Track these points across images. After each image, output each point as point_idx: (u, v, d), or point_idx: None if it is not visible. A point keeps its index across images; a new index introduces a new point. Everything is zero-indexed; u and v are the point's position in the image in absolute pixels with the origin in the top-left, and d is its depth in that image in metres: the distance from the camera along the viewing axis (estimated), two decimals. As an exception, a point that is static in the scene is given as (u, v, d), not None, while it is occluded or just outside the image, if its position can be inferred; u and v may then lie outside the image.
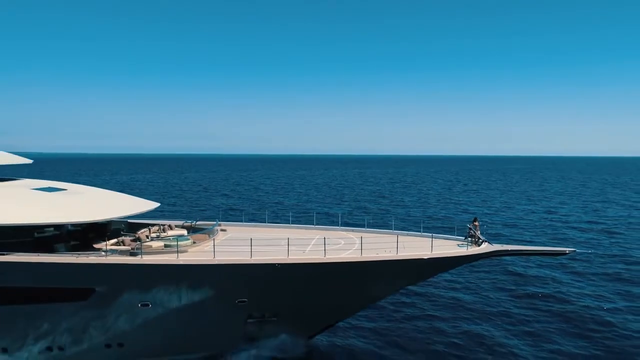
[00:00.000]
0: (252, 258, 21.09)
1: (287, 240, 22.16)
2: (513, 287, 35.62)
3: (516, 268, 40.35)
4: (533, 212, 78.61)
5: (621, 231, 59.56)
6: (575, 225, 64.94)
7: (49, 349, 21.95)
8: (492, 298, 33.29)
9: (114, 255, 21.73)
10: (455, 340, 26.17)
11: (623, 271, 39.83)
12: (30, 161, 29.46)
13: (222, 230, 27.93)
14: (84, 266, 20.81)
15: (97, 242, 24.33)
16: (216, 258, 21.06)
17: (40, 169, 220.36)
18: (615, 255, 45.56)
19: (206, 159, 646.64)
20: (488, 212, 79.42)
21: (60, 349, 21.99)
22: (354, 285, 22.33)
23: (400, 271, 22.31)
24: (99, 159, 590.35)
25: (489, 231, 51.40)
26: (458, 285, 35.93)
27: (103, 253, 21.87)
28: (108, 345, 22.18)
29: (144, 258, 21.32)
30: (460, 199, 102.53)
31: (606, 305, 31.58)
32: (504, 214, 77.36)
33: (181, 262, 21.07)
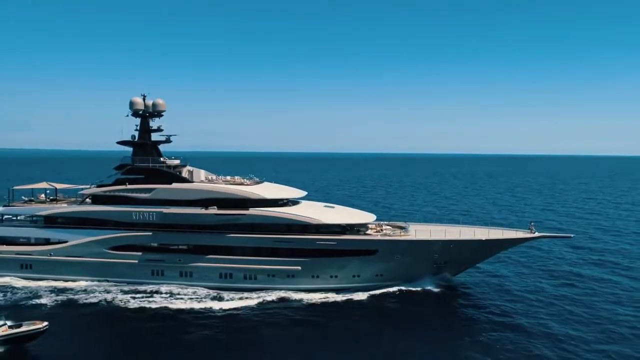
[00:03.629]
0: (444, 237, 50.89)
1: (445, 231, 52.12)
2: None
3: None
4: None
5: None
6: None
7: (354, 276, 51.46)
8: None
9: (379, 235, 51.52)
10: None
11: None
12: (305, 193, 58.45)
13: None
14: (373, 240, 50.54)
15: (351, 231, 53.59)
16: (432, 237, 50.85)
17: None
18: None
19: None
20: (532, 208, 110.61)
21: (357, 276, 51.54)
22: (483, 249, 52.24)
23: (496, 245, 52.35)
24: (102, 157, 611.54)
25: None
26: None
27: (374, 235, 51.66)
28: (377, 275, 51.78)
29: (389, 238, 51.04)
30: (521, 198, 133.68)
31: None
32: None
33: (414, 239, 50.86)
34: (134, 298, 48.01)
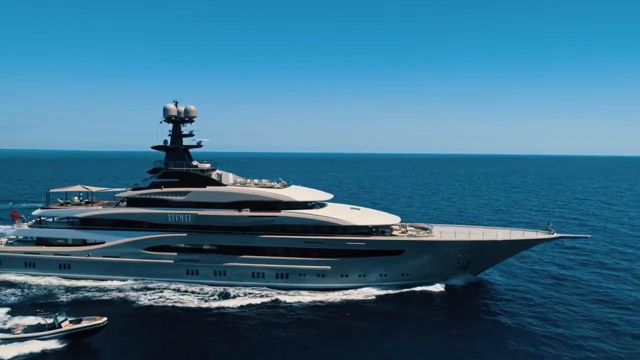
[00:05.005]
0: (468, 238, 53.52)
1: (469, 232, 54.76)
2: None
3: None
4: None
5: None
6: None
7: (381, 275, 53.98)
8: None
9: (405, 235, 54.10)
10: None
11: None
12: (331, 196, 60.88)
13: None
14: (401, 241, 53.13)
15: (377, 232, 55.97)
16: (457, 238, 53.46)
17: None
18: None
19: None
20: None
21: (384, 275, 54.05)
22: (505, 249, 54.92)
23: (518, 245, 55.12)
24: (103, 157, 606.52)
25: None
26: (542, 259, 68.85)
27: (401, 236, 54.23)
28: (403, 274, 54.34)
29: (415, 239, 53.64)
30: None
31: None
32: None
33: (439, 239, 53.44)
34: (170, 297, 50.30)
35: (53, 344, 37.47)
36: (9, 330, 38.77)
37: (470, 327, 44.07)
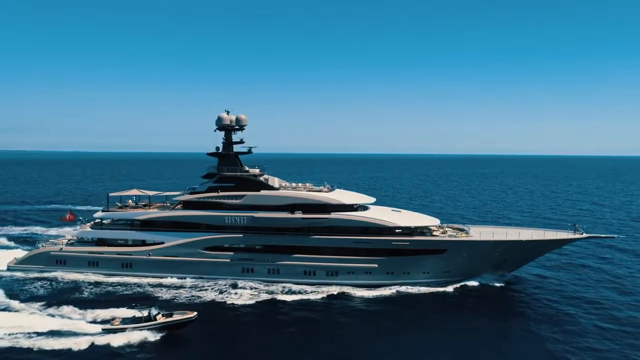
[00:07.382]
0: (506, 238, 58.05)
1: (506, 233, 59.41)
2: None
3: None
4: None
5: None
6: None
7: (424, 272, 58.38)
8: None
9: (445, 236, 58.61)
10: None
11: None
12: (374, 199, 65.13)
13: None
14: (444, 241, 57.62)
15: (418, 232, 60.27)
16: (495, 238, 57.99)
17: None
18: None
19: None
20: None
21: (427, 273, 58.42)
22: (539, 248, 59.53)
23: (551, 245, 59.83)
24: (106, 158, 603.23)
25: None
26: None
27: (443, 236, 58.74)
28: (445, 272, 58.75)
29: (458, 239, 58.08)
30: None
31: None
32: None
33: (480, 239, 57.94)
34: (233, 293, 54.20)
35: (149, 335, 41.23)
36: (108, 322, 42.58)
37: (470, 325, 46.18)
